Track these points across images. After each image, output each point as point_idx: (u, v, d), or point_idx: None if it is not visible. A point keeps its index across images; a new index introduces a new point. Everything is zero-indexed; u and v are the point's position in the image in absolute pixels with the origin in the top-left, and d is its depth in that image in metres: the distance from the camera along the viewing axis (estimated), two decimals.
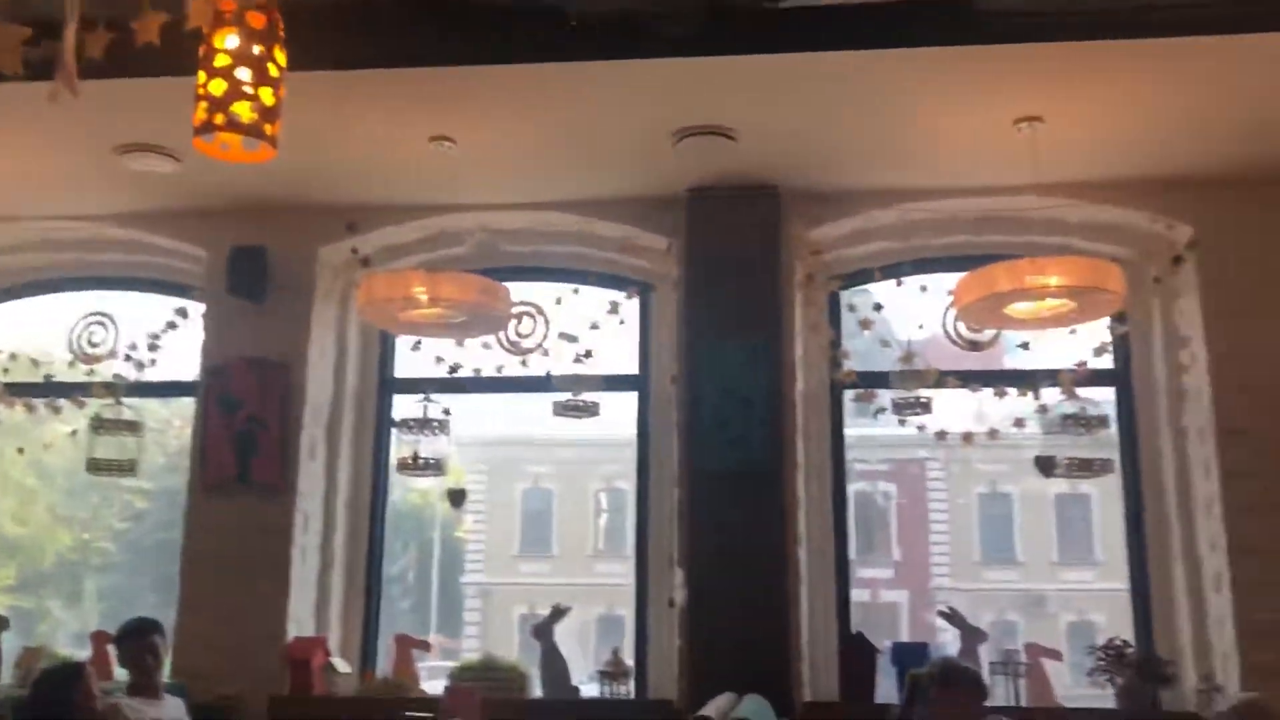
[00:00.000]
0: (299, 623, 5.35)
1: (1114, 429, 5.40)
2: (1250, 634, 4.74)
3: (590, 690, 5.33)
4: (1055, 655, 5.19)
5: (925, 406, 5.32)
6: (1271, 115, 4.57)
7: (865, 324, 5.58)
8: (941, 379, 5.36)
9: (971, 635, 5.17)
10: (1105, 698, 4.97)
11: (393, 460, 5.73)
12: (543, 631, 5.38)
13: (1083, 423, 5.15)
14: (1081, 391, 5.28)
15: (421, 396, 5.53)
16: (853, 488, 5.77)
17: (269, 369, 5.49)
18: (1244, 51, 4.12)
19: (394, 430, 5.78)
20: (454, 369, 5.65)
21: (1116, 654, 4.93)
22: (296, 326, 5.57)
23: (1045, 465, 5.18)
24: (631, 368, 5.78)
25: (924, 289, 5.55)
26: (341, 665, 5.32)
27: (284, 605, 5.28)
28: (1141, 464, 5.39)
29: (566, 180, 5.40)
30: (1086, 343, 5.37)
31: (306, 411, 5.51)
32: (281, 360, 5.51)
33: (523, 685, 5.30)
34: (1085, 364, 5.32)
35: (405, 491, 11.95)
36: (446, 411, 5.54)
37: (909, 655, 5.03)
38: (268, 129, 2.77)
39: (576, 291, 5.80)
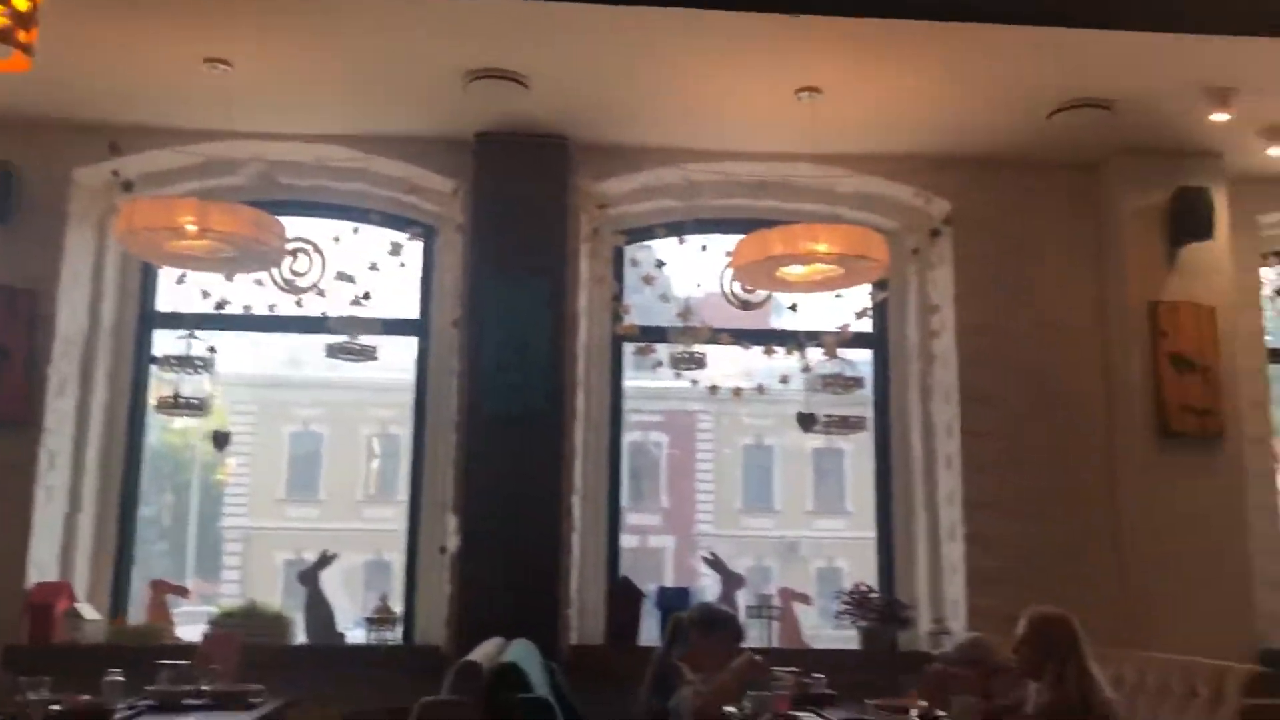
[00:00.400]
0: (42, 567, 5.03)
1: (869, 389, 5.76)
2: (977, 581, 5.20)
3: (357, 637, 5.27)
4: (805, 599, 5.55)
5: (700, 362, 5.51)
6: (1025, 101, 4.94)
7: (647, 279, 5.70)
8: (715, 336, 5.56)
9: (731, 581, 5.44)
10: (850, 639, 5.35)
11: (151, 399, 5.43)
12: (309, 578, 5.28)
13: (842, 382, 5.47)
14: (842, 353, 5.60)
15: (185, 332, 5.26)
16: (627, 437, 5.91)
17: (15, 295, 5.08)
18: (1001, 40, 4.42)
19: (154, 367, 5.47)
20: (221, 305, 5.40)
21: (861, 599, 5.31)
22: (47, 251, 5.17)
23: (806, 421, 5.47)
24: (412, 312, 5.69)
25: (704, 248, 5.73)
26: (88, 611, 5.04)
27: (25, 549, 4.94)
28: (892, 422, 5.78)
29: (351, 114, 5.22)
30: (849, 307, 5.69)
31: (56, 343, 5.14)
32: (29, 287, 5.11)
33: (285, 632, 5.19)
34: (847, 327, 5.64)
35: (163, 432, 11.34)
36: (211, 349, 5.29)
37: (672, 599, 5.26)
38: (21, 36, 2.56)
39: (356, 231, 5.63)
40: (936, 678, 3.93)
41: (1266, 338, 5.74)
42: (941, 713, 3.73)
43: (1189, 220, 5.25)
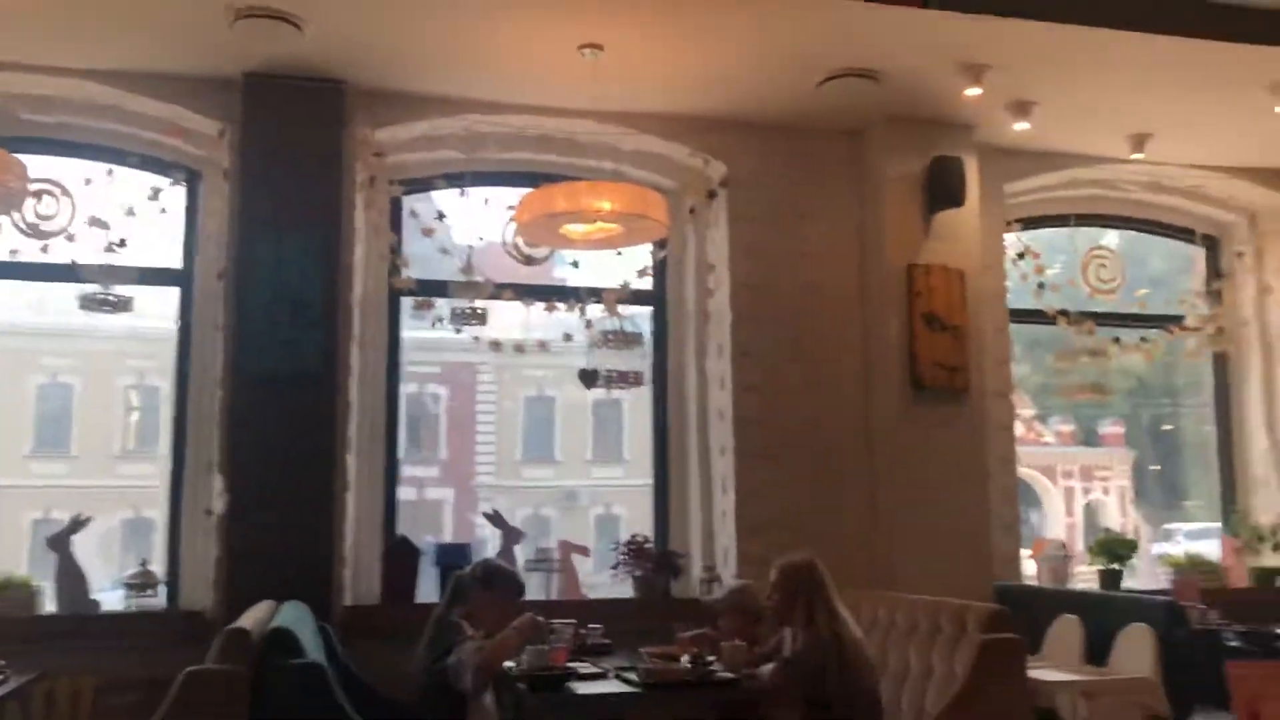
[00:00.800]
0: None
1: (648, 344, 5.88)
2: (746, 529, 5.43)
3: (113, 602, 4.99)
4: (584, 551, 5.65)
5: (481, 317, 5.47)
6: (796, 69, 5.12)
7: (427, 231, 5.59)
8: (497, 291, 5.52)
9: (510, 535, 5.47)
10: (626, 587, 5.49)
11: None
12: (59, 543, 4.94)
13: (622, 338, 5.56)
14: (623, 309, 5.69)
15: None
16: (405, 389, 5.80)
17: None
18: (775, 8, 4.57)
19: None
20: None
21: (637, 550, 5.46)
22: None
23: (588, 378, 5.53)
24: (173, 261, 5.36)
25: (486, 202, 5.66)
26: None
27: None
28: (669, 377, 5.92)
29: (105, 47, 4.84)
30: (630, 265, 5.77)
31: None
32: None
33: (32, 601, 4.84)
34: (627, 285, 5.72)
35: None
36: None
37: (451, 556, 5.24)
38: None
39: (111, 173, 5.24)
40: (701, 639, 4.11)
41: (1008, 299, 6.21)
42: (712, 657, 3.89)
43: (943, 188, 5.58)
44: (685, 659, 3.84)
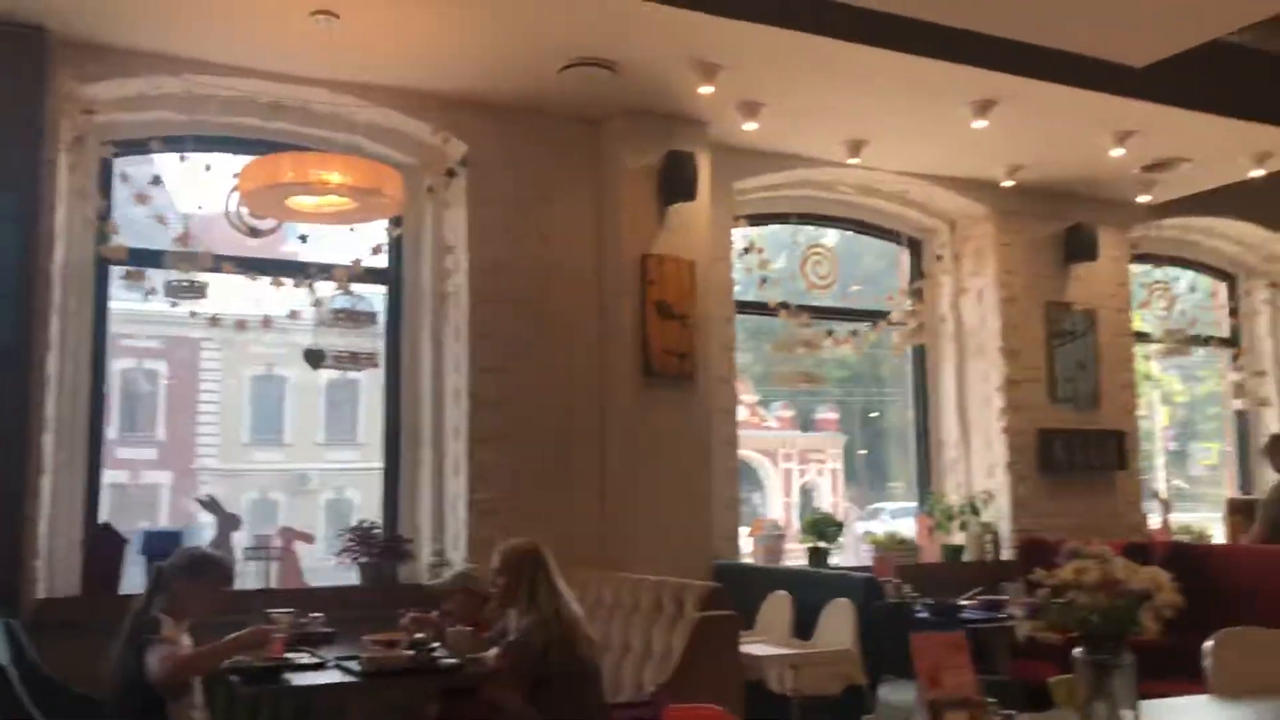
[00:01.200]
0: None
1: (382, 324, 5.75)
2: (477, 513, 5.42)
3: None
4: (307, 538, 5.47)
5: (200, 290, 5.16)
6: (539, 53, 5.12)
7: (141, 198, 5.21)
8: (217, 263, 5.23)
9: (227, 522, 5.20)
10: (353, 575, 5.36)
11: None
12: None
13: (354, 317, 5.40)
14: (355, 288, 5.53)
15: None
16: (118, 365, 5.40)
17: None
18: None
19: None
20: None
21: (363, 535, 5.33)
22: None
23: (314, 358, 5.34)
24: None
25: (208, 168, 5.35)
26: None
27: None
28: (404, 358, 5.82)
29: None
30: (364, 241, 5.61)
31: None
32: None
33: None
34: (360, 262, 5.56)
35: None
36: None
37: (161, 543, 4.91)
38: None
39: None
40: (414, 621, 4.09)
41: (735, 290, 6.49)
42: (436, 644, 3.87)
43: (677, 181, 5.76)
44: (404, 644, 3.79)
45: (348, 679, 3.61)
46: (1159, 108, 5.82)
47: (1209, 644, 2.97)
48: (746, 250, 6.60)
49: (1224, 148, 6.43)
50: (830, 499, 10.64)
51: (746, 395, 7.70)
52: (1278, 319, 8.47)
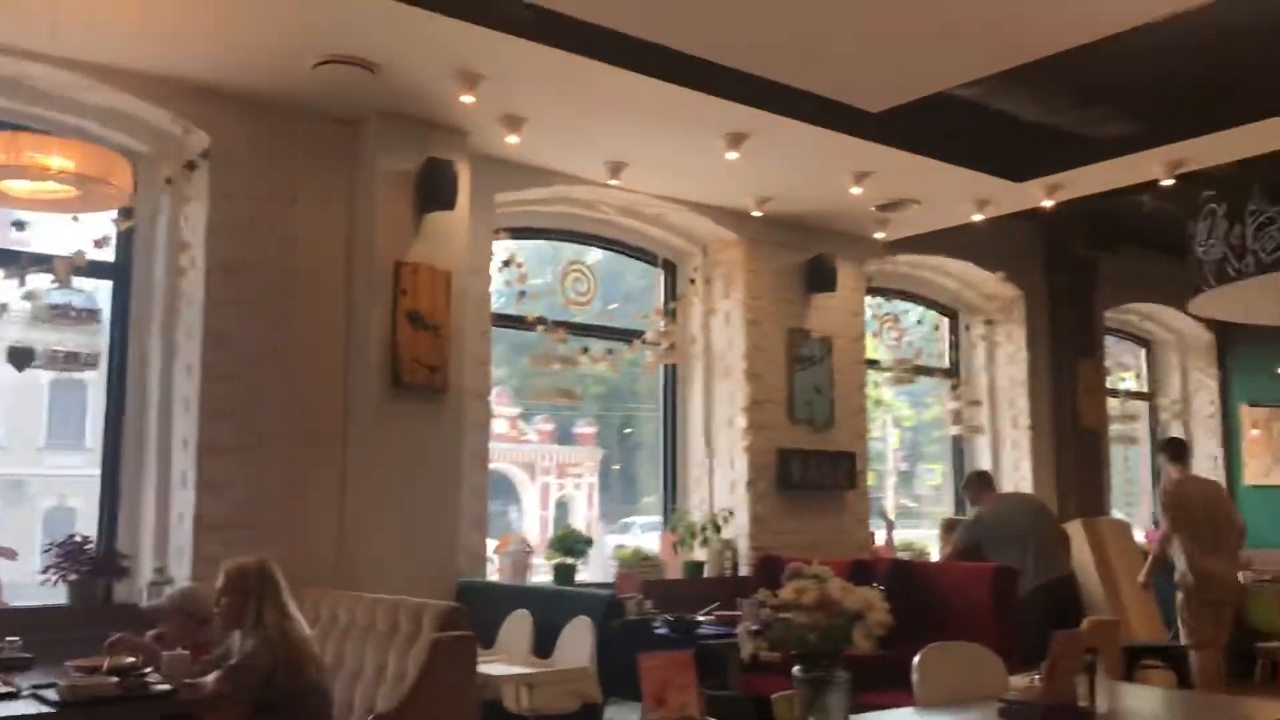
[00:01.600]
0: None
1: (107, 323, 5.34)
2: (205, 528, 5.10)
3: None
4: (9, 555, 4.98)
5: None
6: (292, 47, 4.90)
7: None
8: None
9: None
10: (60, 593, 4.93)
11: None
12: None
13: (73, 314, 4.99)
14: (77, 282, 5.11)
15: None
16: None
17: None
18: None
19: None
20: None
21: (74, 550, 4.92)
22: None
23: (20, 357, 4.90)
24: None
25: None
26: None
27: None
28: (130, 360, 5.42)
29: None
30: (89, 232, 5.20)
31: None
32: None
33: None
34: (83, 254, 5.14)
35: None
36: None
37: None
38: None
39: None
40: (124, 644, 3.83)
41: (494, 303, 6.43)
42: (149, 669, 3.61)
43: (435, 189, 5.65)
44: (105, 668, 3.52)
45: (43, 709, 3.30)
46: (892, 151, 6.21)
47: (916, 659, 3.16)
48: (506, 263, 6.56)
49: (950, 192, 6.94)
50: (585, 513, 10.73)
51: (507, 408, 7.65)
52: (992, 353, 9.22)
